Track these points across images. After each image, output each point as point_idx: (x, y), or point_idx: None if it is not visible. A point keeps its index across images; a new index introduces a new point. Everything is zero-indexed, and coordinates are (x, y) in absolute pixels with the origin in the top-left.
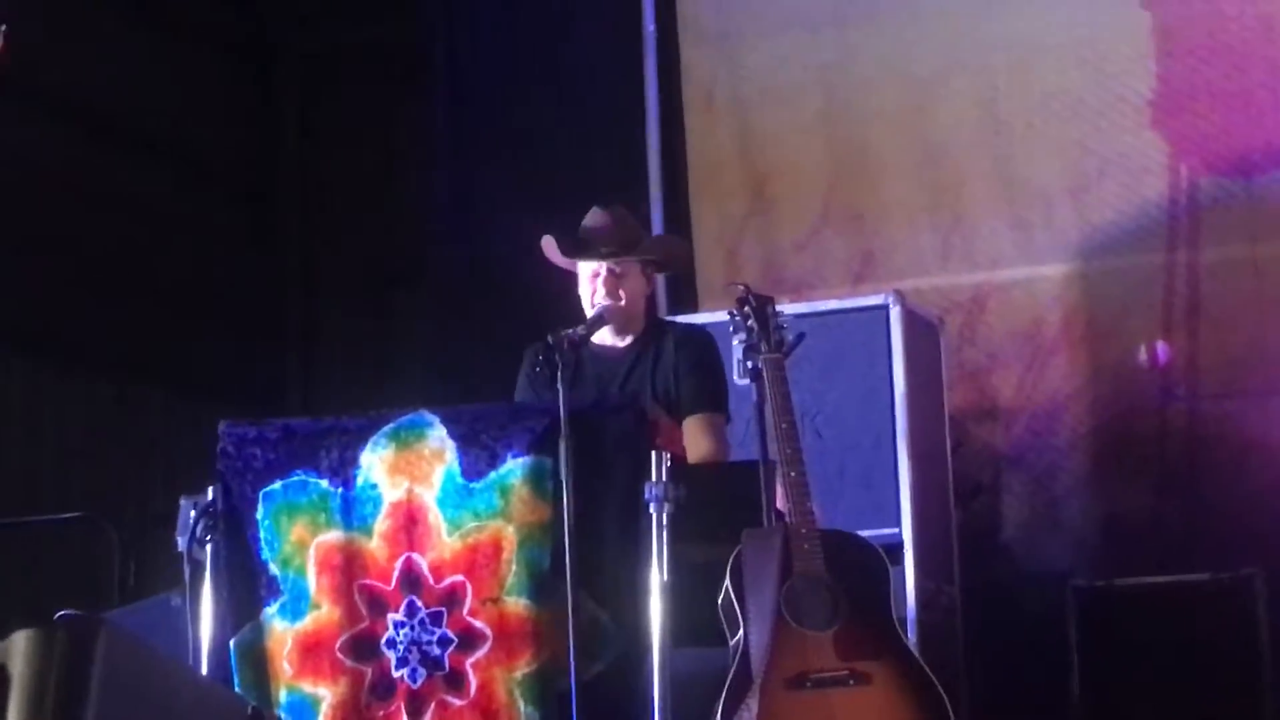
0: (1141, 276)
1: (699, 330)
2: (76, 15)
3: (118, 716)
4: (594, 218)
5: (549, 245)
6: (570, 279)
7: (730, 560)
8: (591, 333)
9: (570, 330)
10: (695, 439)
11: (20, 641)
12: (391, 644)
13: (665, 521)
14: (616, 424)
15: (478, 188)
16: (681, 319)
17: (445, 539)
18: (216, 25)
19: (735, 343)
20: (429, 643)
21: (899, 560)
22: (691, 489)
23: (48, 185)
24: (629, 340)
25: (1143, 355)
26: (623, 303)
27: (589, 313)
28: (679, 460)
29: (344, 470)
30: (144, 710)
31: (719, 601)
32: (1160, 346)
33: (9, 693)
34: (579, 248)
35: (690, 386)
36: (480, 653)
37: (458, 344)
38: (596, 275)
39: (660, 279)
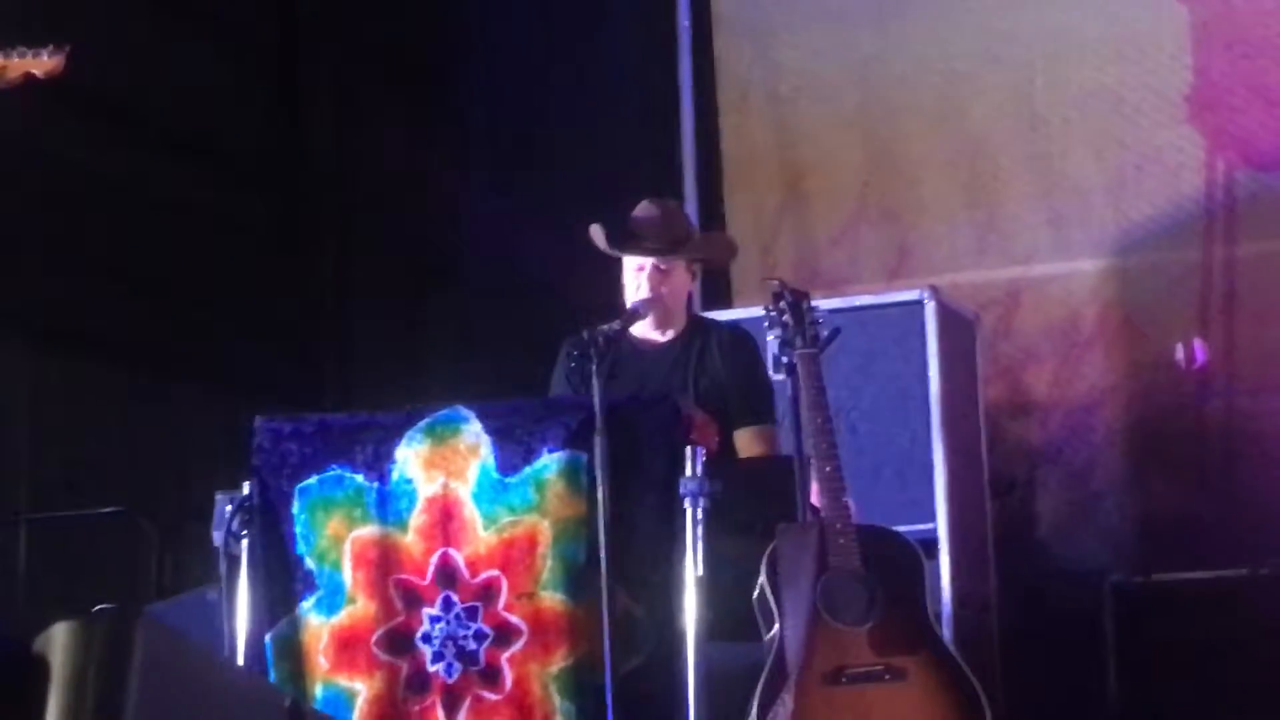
0: (1178, 272)
1: (742, 332)
2: (108, 14)
3: (156, 708)
4: (644, 210)
5: (596, 233)
6: (607, 273)
7: (766, 555)
8: (626, 328)
9: (605, 326)
10: (751, 450)
11: (59, 633)
12: (427, 639)
13: (700, 516)
14: (651, 419)
15: (512, 185)
16: (716, 315)
17: (481, 534)
18: (250, 25)
19: (770, 338)
20: (465, 637)
21: (935, 556)
22: (726, 484)
23: (87, 185)
24: (670, 336)
25: (1180, 354)
26: (663, 297)
27: (629, 301)
28: (714, 455)
29: (379, 465)
30: (182, 702)
31: (754, 596)
32: (1198, 346)
33: (48, 685)
34: (627, 240)
35: (742, 397)
36: (516, 647)
37: (493, 342)
38: (641, 269)
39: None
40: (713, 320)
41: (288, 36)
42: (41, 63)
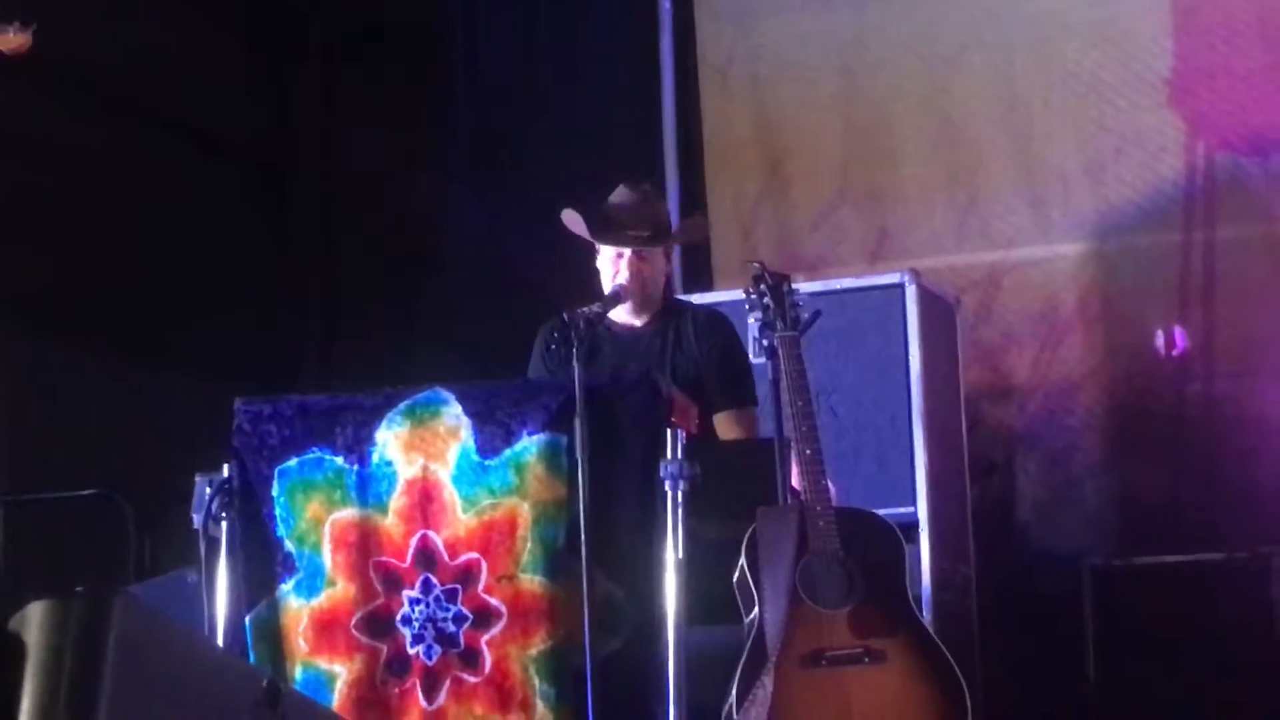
0: (1158, 255)
1: (719, 315)
2: None
3: (134, 686)
4: (622, 196)
5: (573, 219)
6: (587, 255)
7: (746, 538)
8: (607, 311)
9: (585, 308)
10: (730, 433)
11: (36, 612)
12: (407, 621)
13: (681, 499)
14: (632, 401)
15: (495, 167)
16: (697, 298)
17: (460, 516)
18: (238, 10)
19: (751, 321)
20: (444, 620)
21: (914, 539)
22: (707, 466)
23: (66, 164)
24: (646, 319)
25: (1160, 342)
26: (643, 284)
27: (607, 287)
28: (694, 438)
29: (359, 447)
30: (160, 680)
31: (734, 579)
32: (1178, 333)
33: (25, 663)
34: (607, 229)
35: (721, 380)
36: (495, 630)
37: (475, 325)
38: (620, 256)
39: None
40: (688, 302)
41: (277, 21)
42: (7, 39)
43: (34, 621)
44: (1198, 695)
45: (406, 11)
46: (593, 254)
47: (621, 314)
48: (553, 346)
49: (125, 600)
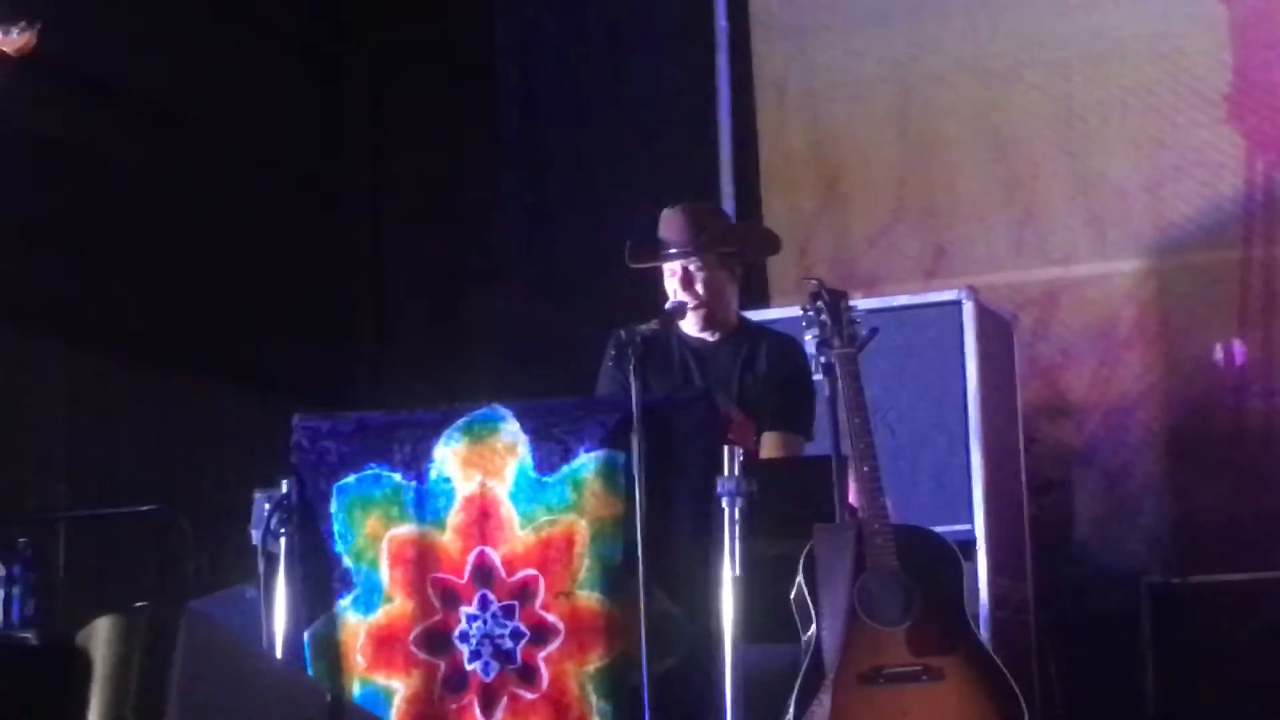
0: (1217, 272)
1: (794, 343)
2: (150, 13)
3: (199, 701)
4: (666, 218)
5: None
6: (644, 272)
7: (803, 555)
8: (665, 327)
9: (644, 325)
10: (772, 455)
11: (103, 627)
12: (464, 637)
13: (737, 516)
14: (689, 418)
15: (550, 184)
16: (753, 314)
17: (518, 533)
18: (289, 24)
19: (808, 338)
20: (501, 636)
21: (972, 556)
22: (764, 484)
23: (123, 185)
24: (719, 336)
25: (1219, 355)
26: (701, 298)
27: (669, 303)
28: (751, 455)
29: (417, 464)
30: (225, 696)
31: (792, 596)
32: (1236, 346)
33: (91, 677)
34: (645, 253)
35: (777, 402)
36: (553, 646)
37: (530, 342)
38: (674, 274)
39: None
40: (764, 326)
41: (329, 36)
42: (11, 40)
43: (101, 636)
44: (1258, 714)
45: (459, 29)
46: (657, 270)
47: (693, 328)
48: (609, 364)
49: (190, 615)
